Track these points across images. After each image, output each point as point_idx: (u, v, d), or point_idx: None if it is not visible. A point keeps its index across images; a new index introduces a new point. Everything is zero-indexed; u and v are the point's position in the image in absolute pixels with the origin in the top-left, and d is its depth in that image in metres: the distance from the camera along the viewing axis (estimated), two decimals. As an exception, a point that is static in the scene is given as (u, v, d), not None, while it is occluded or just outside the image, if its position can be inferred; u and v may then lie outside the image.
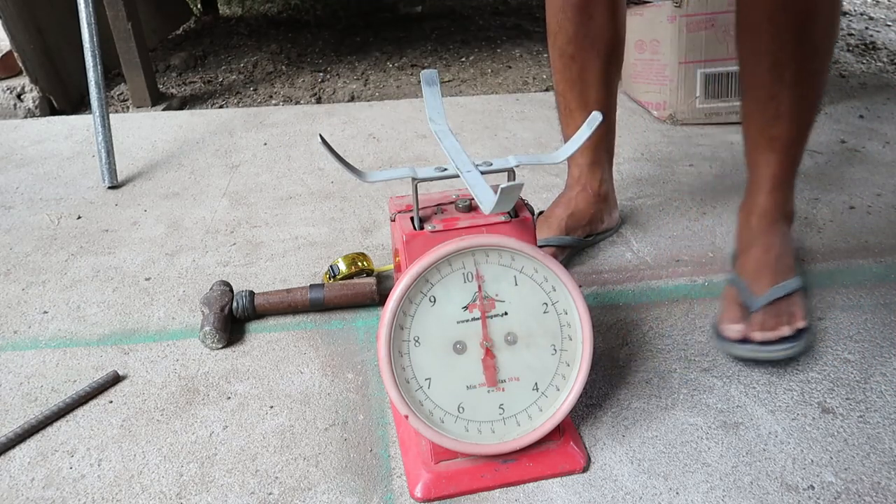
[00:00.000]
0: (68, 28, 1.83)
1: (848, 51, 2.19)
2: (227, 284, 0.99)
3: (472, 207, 0.69)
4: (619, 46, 1.03)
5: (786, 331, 0.83)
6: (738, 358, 0.86)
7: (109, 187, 1.37)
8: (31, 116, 1.83)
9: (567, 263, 1.06)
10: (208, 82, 2.15)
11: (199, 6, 2.86)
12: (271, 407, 0.82)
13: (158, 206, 1.29)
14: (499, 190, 0.58)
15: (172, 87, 2.11)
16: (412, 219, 0.68)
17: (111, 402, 0.83)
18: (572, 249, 1.08)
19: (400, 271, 0.69)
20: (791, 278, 0.88)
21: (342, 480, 0.72)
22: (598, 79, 1.02)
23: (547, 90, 2.00)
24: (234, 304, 0.95)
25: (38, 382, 0.87)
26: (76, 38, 1.43)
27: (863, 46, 2.23)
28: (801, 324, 0.84)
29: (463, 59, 2.30)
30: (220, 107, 1.95)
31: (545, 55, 2.32)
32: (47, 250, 1.16)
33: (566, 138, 1.08)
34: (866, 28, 2.44)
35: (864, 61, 2.08)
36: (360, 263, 1.01)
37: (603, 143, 1.08)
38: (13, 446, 0.77)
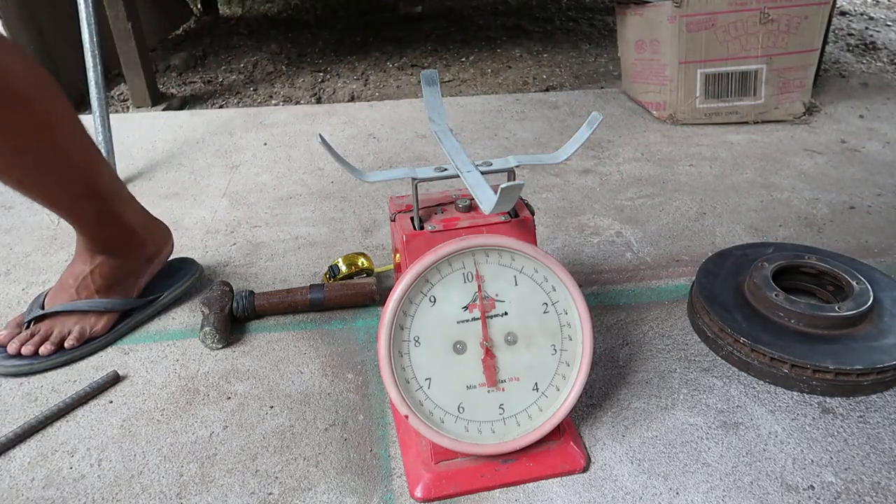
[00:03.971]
0: (68, 28, 1.83)
1: (848, 51, 2.19)
2: (228, 284, 0.99)
3: (472, 207, 0.69)
4: None
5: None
6: None
7: (109, 187, 1.37)
8: (31, 116, 1.82)
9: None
10: (208, 82, 2.15)
11: (199, 6, 2.86)
12: (271, 407, 0.82)
13: (158, 206, 1.29)
14: (499, 190, 0.58)
15: (172, 87, 2.10)
16: (412, 219, 0.68)
17: (111, 402, 0.83)
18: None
19: (400, 271, 0.69)
20: None
21: (342, 480, 0.72)
22: None
23: (547, 90, 2.00)
24: (235, 304, 0.95)
25: (38, 382, 0.87)
26: (76, 38, 1.43)
27: (863, 46, 2.23)
28: None
29: (463, 59, 2.30)
30: (220, 107, 1.95)
31: (545, 55, 2.32)
32: (47, 250, 1.16)
33: None
34: (866, 28, 2.44)
35: (864, 61, 2.08)
36: (360, 263, 1.01)
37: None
38: (13, 446, 0.77)
